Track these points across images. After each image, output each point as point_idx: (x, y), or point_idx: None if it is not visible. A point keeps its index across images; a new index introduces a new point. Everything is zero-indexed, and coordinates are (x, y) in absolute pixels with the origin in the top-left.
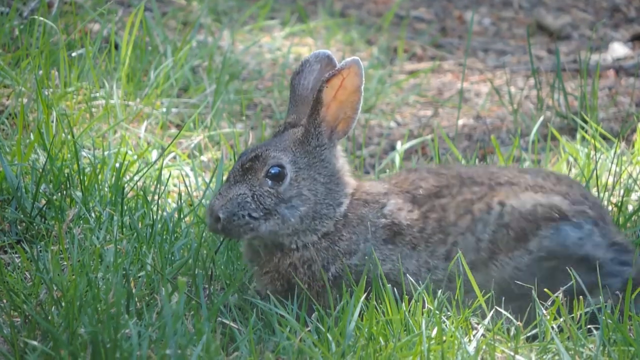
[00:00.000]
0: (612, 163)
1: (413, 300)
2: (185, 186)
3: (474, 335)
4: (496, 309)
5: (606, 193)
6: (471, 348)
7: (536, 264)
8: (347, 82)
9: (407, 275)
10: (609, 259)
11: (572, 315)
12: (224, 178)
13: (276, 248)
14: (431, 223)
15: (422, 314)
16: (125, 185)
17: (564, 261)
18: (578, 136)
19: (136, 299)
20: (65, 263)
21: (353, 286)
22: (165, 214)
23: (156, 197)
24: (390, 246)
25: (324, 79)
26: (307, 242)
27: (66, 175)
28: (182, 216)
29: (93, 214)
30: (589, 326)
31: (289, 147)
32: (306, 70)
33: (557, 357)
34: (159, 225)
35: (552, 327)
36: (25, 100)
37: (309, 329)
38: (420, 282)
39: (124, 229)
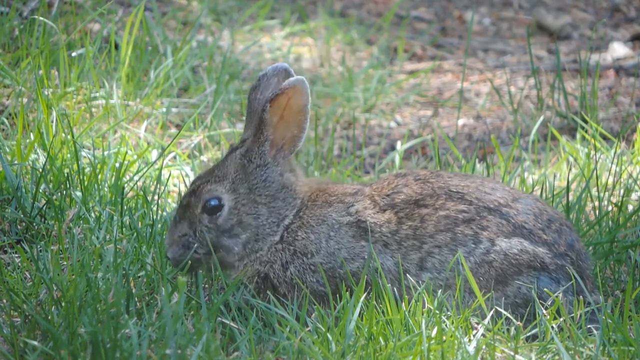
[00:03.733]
0: (612, 163)
1: (413, 300)
2: (185, 186)
3: (474, 335)
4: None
5: (606, 193)
6: (471, 348)
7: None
8: (292, 102)
9: (384, 272)
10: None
11: (572, 315)
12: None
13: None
14: (405, 228)
15: (422, 314)
16: (125, 185)
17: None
18: (578, 136)
19: (136, 299)
20: (65, 263)
21: (346, 284)
22: (165, 214)
23: (156, 197)
24: (363, 243)
25: (267, 98)
26: (254, 259)
27: (66, 175)
28: None
29: (93, 214)
30: (588, 326)
31: (228, 174)
32: (263, 85)
33: (557, 357)
34: (159, 225)
35: (552, 327)
36: (25, 100)
37: (309, 329)
38: (397, 281)
39: (124, 229)
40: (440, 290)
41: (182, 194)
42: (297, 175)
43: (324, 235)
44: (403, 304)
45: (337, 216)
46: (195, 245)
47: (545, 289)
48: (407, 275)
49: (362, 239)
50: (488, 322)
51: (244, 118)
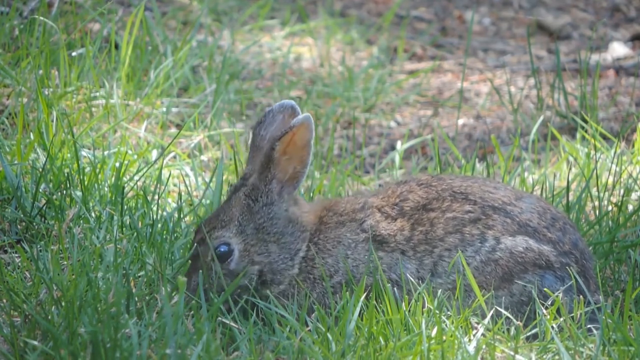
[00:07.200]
0: (612, 163)
1: (413, 300)
2: (185, 186)
3: (474, 335)
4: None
5: (606, 193)
6: (471, 348)
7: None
8: (297, 138)
9: (406, 281)
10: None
11: (572, 315)
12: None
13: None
14: (417, 234)
15: (422, 314)
16: (125, 185)
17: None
18: (578, 136)
19: (136, 299)
20: (65, 263)
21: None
22: (165, 213)
23: (156, 197)
24: (381, 253)
25: (276, 137)
26: (277, 292)
27: (66, 175)
28: (182, 216)
29: (93, 214)
30: (589, 326)
31: (234, 216)
32: (267, 121)
33: (557, 357)
34: (159, 225)
35: (552, 327)
36: (25, 100)
37: (309, 328)
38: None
39: (124, 229)
40: (440, 290)
41: (191, 243)
42: (301, 206)
43: (341, 256)
44: (403, 303)
45: (352, 235)
46: (213, 289)
47: (545, 289)
48: (424, 283)
49: (378, 250)
50: (488, 322)
51: (243, 118)
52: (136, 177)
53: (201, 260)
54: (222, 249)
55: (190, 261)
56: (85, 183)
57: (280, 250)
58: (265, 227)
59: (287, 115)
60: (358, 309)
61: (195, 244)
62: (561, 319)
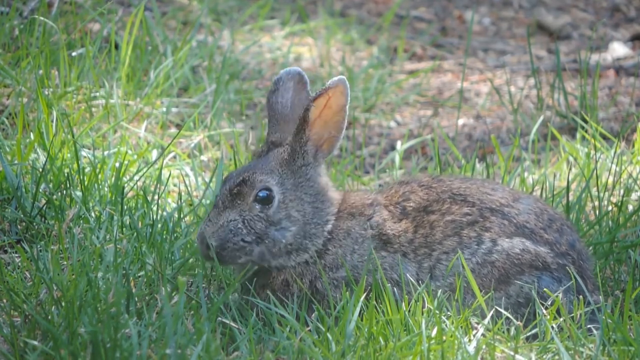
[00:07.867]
0: (612, 163)
1: (413, 300)
2: (185, 186)
3: (474, 335)
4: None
5: (606, 193)
6: (471, 348)
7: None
8: (332, 102)
9: (406, 282)
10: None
11: (572, 315)
12: (213, 202)
13: (265, 271)
14: (419, 238)
15: (422, 314)
16: (125, 185)
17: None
18: (578, 136)
19: (136, 299)
20: (65, 263)
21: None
22: (165, 213)
23: (156, 197)
24: (384, 253)
25: (311, 98)
26: (299, 262)
27: (66, 175)
28: (182, 216)
29: (93, 214)
30: (589, 326)
31: (275, 168)
32: (282, 89)
33: (557, 357)
34: (159, 225)
35: (552, 327)
36: (25, 100)
37: (309, 328)
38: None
39: (124, 229)
40: (440, 291)
41: (226, 184)
42: (329, 182)
43: (349, 249)
44: (403, 304)
45: (360, 229)
46: (244, 231)
47: (545, 289)
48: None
49: (382, 250)
50: (488, 322)
51: (243, 118)
52: (136, 177)
53: (243, 198)
54: (265, 193)
55: (226, 198)
56: (85, 183)
57: (313, 214)
58: (303, 186)
59: (296, 81)
60: (358, 309)
61: (239, 181)
62: (561, 319)
